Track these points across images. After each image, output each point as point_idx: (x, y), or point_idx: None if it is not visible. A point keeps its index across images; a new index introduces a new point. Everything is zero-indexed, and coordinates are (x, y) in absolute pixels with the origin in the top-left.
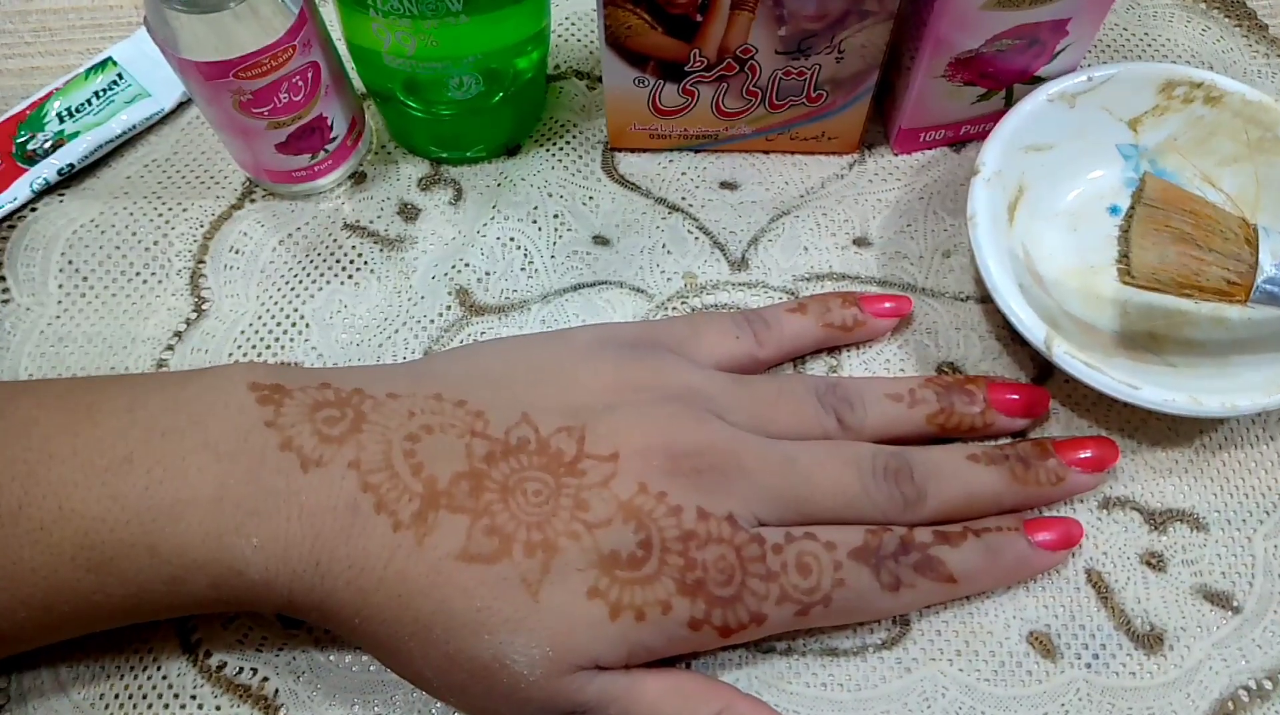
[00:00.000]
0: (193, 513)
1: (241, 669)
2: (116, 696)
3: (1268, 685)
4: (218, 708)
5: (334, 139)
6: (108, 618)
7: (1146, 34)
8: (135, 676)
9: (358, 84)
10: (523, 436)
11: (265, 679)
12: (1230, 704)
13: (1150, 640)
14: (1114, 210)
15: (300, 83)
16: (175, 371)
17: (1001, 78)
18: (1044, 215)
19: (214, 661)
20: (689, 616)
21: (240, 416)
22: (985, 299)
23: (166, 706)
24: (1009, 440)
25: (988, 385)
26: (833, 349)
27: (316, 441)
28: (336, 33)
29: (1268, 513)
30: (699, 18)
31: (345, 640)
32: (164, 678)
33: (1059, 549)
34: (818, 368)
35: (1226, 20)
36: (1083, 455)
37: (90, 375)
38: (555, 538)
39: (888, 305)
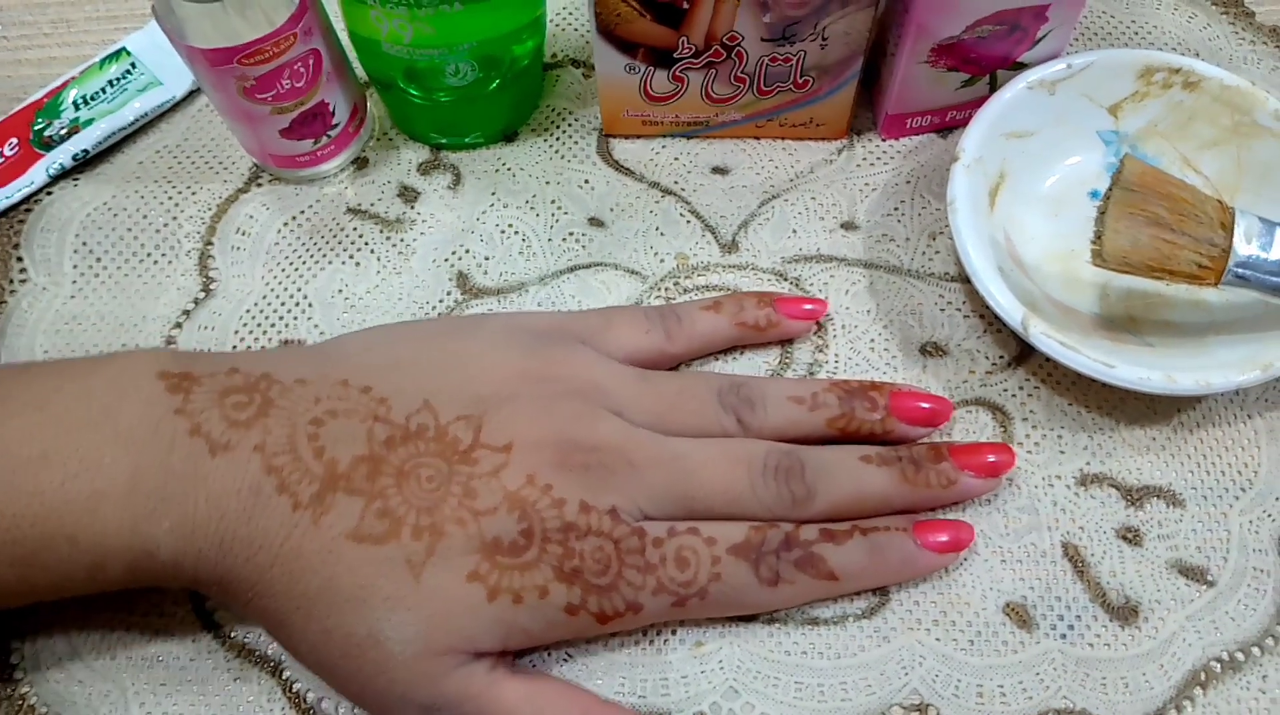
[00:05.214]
0: (108, 503)
1: (249, 633)
2: (129, 660)
3: (1240, 657)
4: (229, 670)
5: (336, 125)
6: (30, 599)
7: (1134, 21)
8: (149, 641)
9: (361, 74)
10: (423, 423)
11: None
12: (1203, 674)
13: (1125, 612)
14: (1095, 195)
15: (302, 69)
16: (83, 360)
17: (984, 64)
18: (1025, 201)
19: (225, 629)
20: (565, 602)
21: (150, 406)
22: (969, 278)
23: (181, 666)
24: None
25: (892, 393)
26: (819, 330)
27: (225, 426)
28: (340, 24)
29: (1243, 490)
30: (685, 5)
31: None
32: (177, 640)
33: (947, 551)
34: (803, 349)
35: (1213, 7)
36: (977, 460)
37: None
38: (442, 523)
39: (807, 307)
